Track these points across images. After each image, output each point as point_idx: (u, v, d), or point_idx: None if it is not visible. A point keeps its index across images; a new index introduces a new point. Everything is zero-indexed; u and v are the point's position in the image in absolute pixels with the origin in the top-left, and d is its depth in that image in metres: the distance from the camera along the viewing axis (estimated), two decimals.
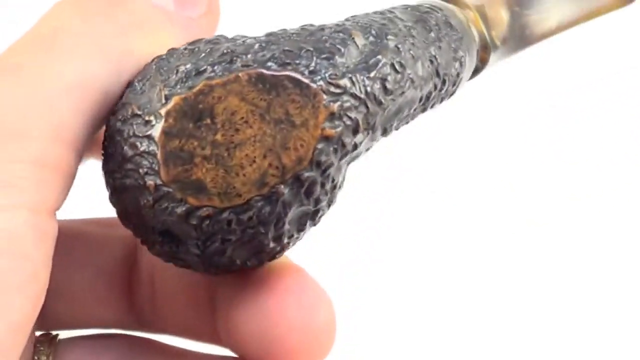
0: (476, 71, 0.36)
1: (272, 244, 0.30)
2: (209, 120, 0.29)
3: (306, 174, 0.29)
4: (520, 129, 0.63)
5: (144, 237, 0.30)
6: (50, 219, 0.28)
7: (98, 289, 0.35)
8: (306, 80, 0.29)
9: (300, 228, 0.31)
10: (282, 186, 0.29)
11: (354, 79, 0.29)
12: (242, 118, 0.29)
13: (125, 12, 0.31)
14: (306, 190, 0.29)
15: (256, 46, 0.29)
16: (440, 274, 0.61)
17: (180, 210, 0.29)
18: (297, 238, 0.31)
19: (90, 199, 0.38)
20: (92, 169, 0.33)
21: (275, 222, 0.29)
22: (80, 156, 0.30)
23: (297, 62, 0.29)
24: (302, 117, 0.29)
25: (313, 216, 0.31)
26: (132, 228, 0.30)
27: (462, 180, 0.62)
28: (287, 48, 0.29)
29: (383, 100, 0.30)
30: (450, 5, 0.35)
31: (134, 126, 0.29)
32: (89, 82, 0.29)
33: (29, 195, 0.27)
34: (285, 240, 0.30)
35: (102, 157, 0.31)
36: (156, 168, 0.29)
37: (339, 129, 0.29)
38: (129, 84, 0.30)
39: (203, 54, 0.30)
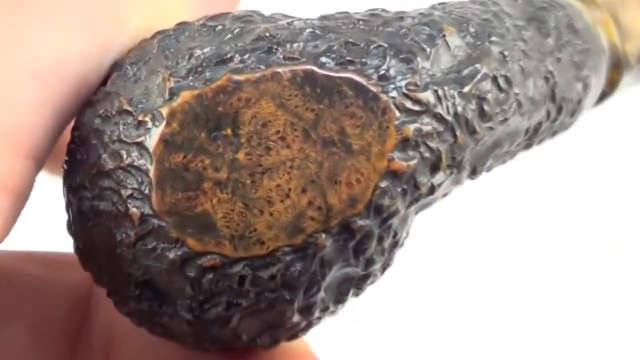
0: (602, 97, 0.27)
1: (296, 318, 0.21)
2: (229, 131, 0.20)
3: (360, 222, 0.20)
4: (606, 152, 0.62)
5: (112, 286, 0.22)
6: None
7: (31, 351, 0.27)
8: (374, 89, 0.20)
9: (340, 299, 0.22)
10: (324, 236, 0.20)
11: (440, 93, 0.21)
12: (278, 132, 0.20)
13: None
14: (357, 245, 0.21)
15: (306, 32, 0.21)
16: (525, 302, 0.57)
17: (173, 255, 0.20)
18: (332, 312, 0.22)
19: (36, 219, 0.29)
20: (44, 179, 0.24)
21: (307, 286, 0.21)
22: (39, 167, 0.21)
23: (364, 61, 0.20)
24: (363, 140, 0.20)
25: (360, 283, 0.22)
26: (95, 271, 0.22)
27: (545, 204, 0.60)
28: (350, 40, 0.21)
29: (478, 128, 0.21)
30: (573, 1, 0.25)
31: (121, 127, 0.20)
32: (62, 63, 0.21)
33: None
34: (316, 315, 0.22)
35: (65, 166, 0.22)
36: (146, 191, 0.20)
37: (412, 162, 0.20)
38: (117, 66, 0.22)
39: (229, 35, 0.21)
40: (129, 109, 0.20)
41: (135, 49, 0.22)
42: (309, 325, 0.22)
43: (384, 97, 0.20)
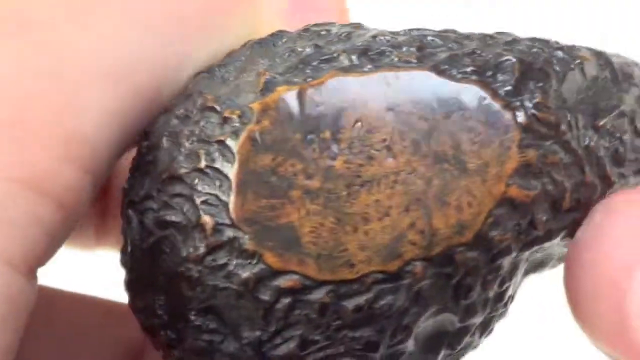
0: None
1: None
2: (328, 134, 0.17)
3: (466, 254, 0.17)
4: None
5: (168, 319, 0.19)
6: (28, 278, 0.18)
7: None
8: (498, 103, 0.18)
9: (431, 351, 0.19)
10: (424, 265, 0.17)
11: (571, 120, 0.18)
12: (384, 140, 0.17)
13: None
14: (459, 282, 0.18)
15: (427, 39, 0.18)
16: None
17: (248, 273, 0.17)
18: None
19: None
20: None
21: (396, 327, 0.18)
22: (97, 185, 0.19)
23: (491, 73, 0.18)
24: (480, 160, 0.17)
25: (453, 341, 0.19)
26: (148, 306, 0.19)
27: None
28: (477, 51, 0.18)
29: (609, 171, 0.18)
30: None
31: (202, 125, 0.18)
32: (135, 69, 0.19)
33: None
34: None
35: (127, 182, 0.19)
36: (224, 197, 0.17)
37: (533, 193, 0.18)
38: (202, 73, 0.19)
39: (336, 38, 0.19)
40: (215, 105, 0.18)
41: (226, 56, 0.19)
42: None
43: (508, 113, 0.17)
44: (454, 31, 0.19)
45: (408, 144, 0.17)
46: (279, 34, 0.19)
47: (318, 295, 0.17)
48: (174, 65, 0.19)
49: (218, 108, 0.18)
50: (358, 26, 0.19)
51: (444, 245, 0.17)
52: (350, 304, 0.17)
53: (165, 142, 0.18)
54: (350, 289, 0.17)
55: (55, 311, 0.24)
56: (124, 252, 0.19)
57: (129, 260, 0.19)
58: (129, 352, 0.25)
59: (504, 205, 0.17)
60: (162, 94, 0.19)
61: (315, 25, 0.19)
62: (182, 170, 0.18)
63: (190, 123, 0.18)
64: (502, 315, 0.19)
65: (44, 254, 0.18)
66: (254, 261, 0.17)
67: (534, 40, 0.19)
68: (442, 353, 0.19)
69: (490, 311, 0.18)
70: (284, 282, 0.17)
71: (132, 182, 0.19)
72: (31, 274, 0.18)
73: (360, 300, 0.17)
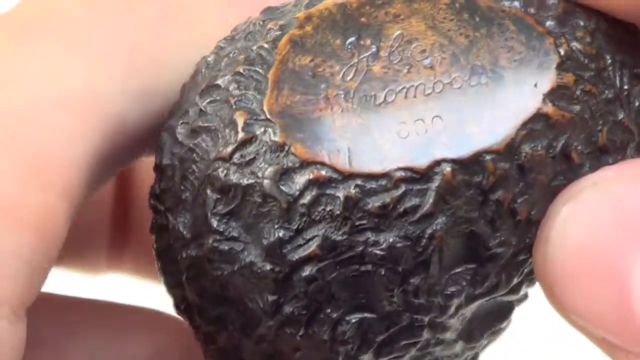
0: None
1: (397, 297, 0.18)
2: (368, 42, 0.18)
3: (497, 163, 0.17)
4: None
5: (192, 231, 0.18)
6: (11, 320, 0.17)
7: None
8: (541, 29, 0.18)
9: (453, 289, 0.18)
10: (452, 167, 0.17)
11: (610, 59, 0.18)
12: (423, 52, 0.18)
13: None
14: (487, 196, 0.17)
15: None
16: None
17: (275, 165, 0.17)
18: (441, 311, 0.18)
19: None
20: None
21: (419, 234, 0.17)
22: (74, 210, 0.18)
23: (533, 8, 0.18)
24: (518, 75, 0.17)
25: (481, 268, 0.18)
26: (175, 217, 0.19)
27: None
28: None
29: None
30: None
31: (245, 38, 0.18)
32: (95, 97, 0.18)
33: None
34: (422, 299, 0.18)
35: (167, 116, 0.20)
36: (258, 94, 0.18)
37: (568, 114, 0.17)
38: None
39: None
40: (260, 22, 0.19)
41: None
42: (409, 332, 0.18)
43: (550, 38, 0.18)
44: None
45: (447, 57, 0.18)
46: None
47: (344, 189, 0.17)
48: (135, 95, 0.19)
49: (262, 23, 0.18)
50: None
51: (475, 149, 0.17)
52: (375, 200, 0.17)
53: (207, 62, 0.19)
54: (377, 185, 0.17)
55: (81, 320, 0.24)
56: (152, 188, 0.19)
57: (157, 190, 0.19)
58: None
59: (538, 121, 0.17)
60: (126, 122, 0.19)
61: None
62: (220, 79, 0.18)
63: (234, 42, 0.19)
64: (530, 275, 0.18)
65: (26, 291, 0.17)
66: (283, 153, 0.17)
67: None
68: (466, 289, 0.18)
69: (518, 248, 0.18)
70: (310, 173, 0.17)
71: (169, 117, 0.19)
72: (14, 316, 0.17)
73: (386, 198, 0.17)
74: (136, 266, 0.27)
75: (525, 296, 0.20)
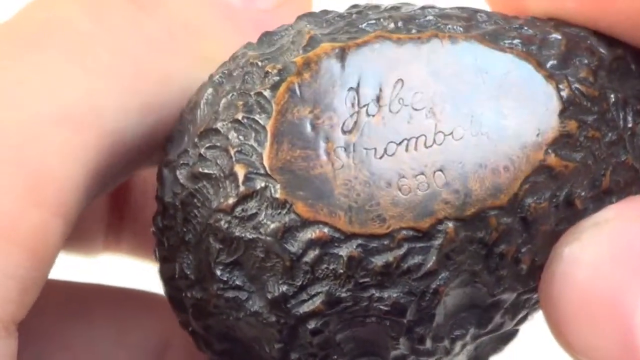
0: None
1: (403, 344, 0.18)
2: (368, 91, 0.17)
3: (500, 218, 0.17)
4: None
5: (196, 277, 0.19)
6: (6, 335, 0.17)
7: None
8: (542, 72, 0.18)
9: (456, 335, 0.18)
10: (456, 224, 0.17)
11: (614, 98, 0.18)
12: (424, 101, 0.17)
13: (160, 12, 0.20)
14: (491, 248, 0.17)
15: (478, 14, 0.18)
16: None
17: (277, 222, 0.17)
18: (446, 352, 0.18)
19: None
20: None
21: (424, 290, 0.17)
22: (68, 228, 0.18)
23: (537, 46, 0.18)
24: (520, 126, 0.17)
25: (483, 318, 0.18)
26: (179, 270, 0.19)
27: None
28: (524, 26, 0.18)
29: None
30: None
31: (243, 80, 0.18)
32: (96, 113, 0.18)
33: None
34: (428, 345, 0.18)
35: (165, 145, 0.19)
36: (258, 147, 0.17)
37: (572, 164, 0.17)
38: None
39: (383, 9, 0.19)
40: (257, 62, 0.18)
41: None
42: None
43: (552, 84, 0.17)
44: (503, 14, 0.19)
45: (448, 105, 0.17)
46: (327, 10, 0.19)
47: (347, 248, 0.17)
48: (134, 111, 0.19)
49: (260, 64, 0.18)
50: (407, 3, 0.19)
51: (477, 206, 0.17)
52: (378, 260, 0.17)
53: (205, 98, 0.18)
54: (380, 245, 0.17)
55: (84, 306, 0.24)
56: (155, 218, 0.19)
57: (160, 224, 0.19)
58: (159, 344, 0.25)
59: (541, 173, 0.17)
60: (125, 139, 0.19)
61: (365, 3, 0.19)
62: (219, 123, 0.18)
63: (232, 79, 0.18)
64: (534, 305, 0.19)
65: (17, 308, 0.17)
66: (284, 211, 0.17)
67: (582, 27, 0.19)
68: (471, 331, 0.18)
69: (523, 290, 0.18)
70: (313, 233, 0.17)
71: (168, 147, 0.19)
72: (5, 332, 0.17)
73: (389, 257, 0.17)
74: (134, 246, 0.27)
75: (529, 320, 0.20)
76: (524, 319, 0.19)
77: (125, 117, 0.19)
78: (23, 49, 0.18)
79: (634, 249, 0.16)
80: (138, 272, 0.27)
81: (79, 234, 0.26)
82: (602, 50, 0.18)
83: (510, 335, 0.20)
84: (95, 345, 0.23)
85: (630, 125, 0.18)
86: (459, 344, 0.18)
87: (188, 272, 0.18)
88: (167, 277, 0.19)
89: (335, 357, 0.18)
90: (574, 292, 0.17)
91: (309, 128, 0.17)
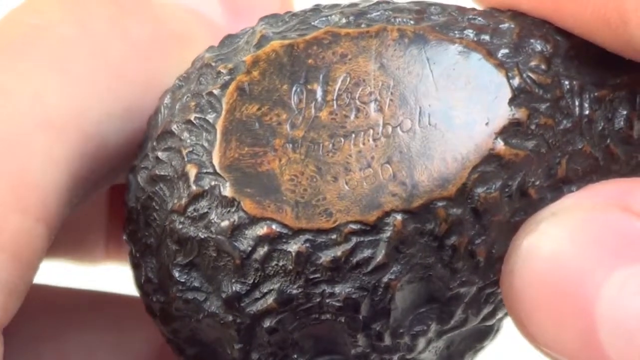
0: None
1: (361, 341, 0.18)
2: (315, 86, 0.17)
3: (448, 209, 0.17)
4: None
5: (157, 281, 0.19)
6: None
7: None
8: (492, 61, 0.17)
9: (417, 331, 0.18)
10: (403, 217, 0.17)
11: (568, 85, 0.17)
12: (371, 94, 0.17)
13: (146, 19, 0.20)
14: (443, 242, 0.17)
15: (431, 8, 0.18)
16: None
17: (226, 221, 0.17)
18: (408, 349, 0.18)
19: None
20: None
21: (375, 284, 0.17)
22: (51, 234, 0.18)
23: (488, 36, 0.18)
24: (468, 115, 0.17)
25: (443, 312, 0.18)
26: (147, 282, 0.19)
27: None
28: (477, 18, 0.18)
29: (612, 146, 0.18)
30: None
31: (197, 82, 0.18)
32: (79, 118, 0.18)
33: None
34: (386, 342, 0.18)
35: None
36: (208, 146, 0.17)
37: (522, 152, 0.17)
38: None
39: (339, 6, 0.19)
40: (211, 63, 0.18)
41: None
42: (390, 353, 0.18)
43: (501, 72, 0.17)
44: (459, 6, 0.19)
45: (395, 98, 0.17)
46: (290, 11, 0.19)
47: (295, 244, 0.17)
48: (117, 116, 0.19)
49: (213, 64, 0.18)
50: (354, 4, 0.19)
51: (425, 198, 0.17)
52: (327, 254, 0.17)
53: (165, 103, 0.19)
54: (328, 239, 0.17)
55: (79, 312, 0.24)
56: (124, 224, 0.19)
57: (127, 230, 0.19)
58: (155, 351, 0.25)
59: (490, 163, 0.17)
60: (107, 144, 0.19)
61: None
62: (174, 125, 0.18)
63: (189, 82, 0.18)
64: (501, 301, 0.18)
65: (2, 314, 0.17)
66: (233, 208, 0.17)
67: (536, 19, 0.18)
68: (433, 327, 0.18)
69: (483, 284, 0.17)
70: (260, 229, 0.17)
71: (137, 152, 0.19)
72: None
73: (338, 251, 0.17)
74: None
75: (506, 315, 0.19)
76: (492, 315, 0.18)
77: (107, 122, 0.19)
78: (5, 55, 0.19)
79: (593, 239, 0.16)
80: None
81: (79, 242, 0.26)
82: (558, 37, 0.18)
83: (485, 333, 0.19)
84: (92, 352, 0.23)
85: (587, 112, 0.17)
86: (422, 340, 0.18)
87: (152, 277, 0.19)
88: (138, 284, 0.20)
89: (295, 356, 0.18)
90: (533, 285, 0.16)
91: (257, 125, 0.17)
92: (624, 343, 0.15)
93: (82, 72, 0.19)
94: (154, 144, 0.18)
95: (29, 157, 0.17)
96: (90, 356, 0.23)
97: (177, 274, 0.18)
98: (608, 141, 0.18)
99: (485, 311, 0.18)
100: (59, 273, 0.24)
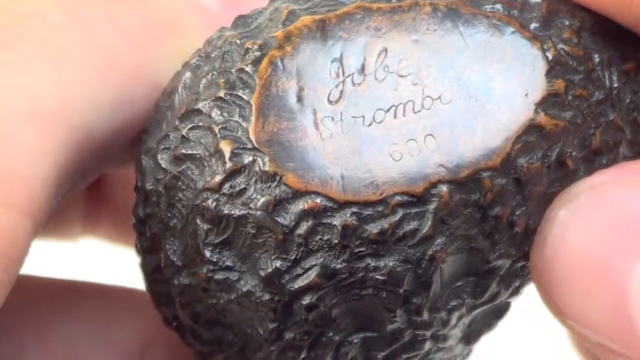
0: None
1: (400, 316, 0.17)
2: (352, 60, 0.17)
3: (494, 180, 0.17)
4: None
5: (184, 261, 0.18)
6: None
7: None
8: (527, 34, 0.17)
9: (454, 304, 0.18)
10: (449, 188, 0.17)
11: (598, 58, 0.18)
12: (410, 67, 0.17)
13: (137, 6, 0.20)
14: (486, 213, 0.17)
15: None
16: None
17: (267, 196, 0.17)
18: (443, 323, 0.18)
19: None
20: None
21: (420, 257, 0.17)
22: (36, 228, 0.18)
23: (521, 10, 0.18)
24: (508, 87, 0.17)
25: (479, 285, 0.18)
26: (166, 254, 0.18)
27: None
28: None
29: (639, 117, 0.18)
30: None
31: (222, 59, 0.18)
32: (66, 108, 0.18)
33: None
34: (425, 316, 0.18)
35: (141, 135, 0.19)
36: (243, 122, 0.17)
37: (561, 122, 0.17)
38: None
39: None
40: (236, 40, 0.18)
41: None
42: (411, 346, 0.18)
43: (537, 45, 0.17)
44: None
45: (434, 70, 0.17)
46: None
47: (340, 217, 0.16)
48: (105, 105, 0.19)
49: (239, 42, 0.18)
50: None
51: (471, 168, 0.17)
52: (373, 227, 0.16)
53: (183, 82, 0.18)
54: (374, 212, 0.16)
55: (63, 304, 0.23)
56: (135, 209, 0.19)
57: (142, 213, 0.18)
58: (141, 343, 0.24)
59: (532, 133, 0.17)
60: (95, 134, 0.18)
61: None
62: (201, 103, 0.17)
63: (210, 60, 0.18)
64: (527, 275, 0.18)
65: None
66: (274, 183, 0.17)
67: None
68: (467, 301, 0.18)
69: (517, 257, 0.18)
70: (305, 203, 0.16)
71: (145, 137, 0.19)
72: None
73: (384, 223, 0.16)
74: (112, 230, 0.27)
75: (521, 292, 0.20)
76: (518, 289, 0.19)
77: (96, 111, 0.18)
78: None
79: (629, 216, 0.16)
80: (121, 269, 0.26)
81: (56, 218, 0.26)
82: (583, 12, 0.18)
83: (502, 310, 0.19)
84: (76, 343, 0.23)
85: (616, 85, 0.18)
86: (455, 315, 0.18)
87: (174, 259, 0.18)
88: (150, 270, 0.19)
89: (331, 334, 0.17)
90: (567, 255, 0.17)
91: (294, 100, 0.17)
92: None
93: (71, 62, 0.18)
94: (177, 123, 0.18)
95: (15, 150, 0.17)
96: (75, 347, 0.23)
97: (208, 254, 0.17)
98: (635, 114, 0.18)
99: (515, 285, 0.18)
100: (43, 263, 0.23)
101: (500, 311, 0.20)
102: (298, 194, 0.16)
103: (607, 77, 0.18)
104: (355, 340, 0.18)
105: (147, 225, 0.18)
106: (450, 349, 0.19)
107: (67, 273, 0.24)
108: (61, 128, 0.18)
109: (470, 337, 0.19)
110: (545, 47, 0.17)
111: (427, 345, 0.18)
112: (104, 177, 0.25)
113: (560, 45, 0.17)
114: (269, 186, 0.17)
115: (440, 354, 0.19)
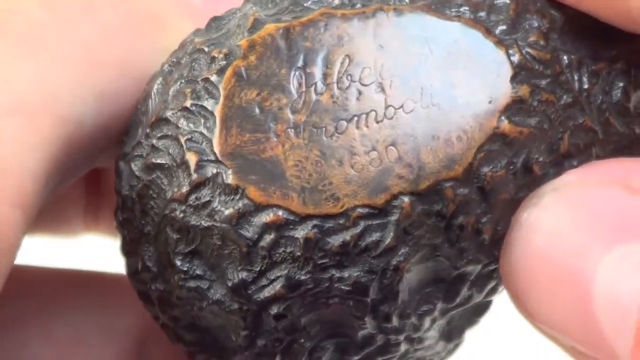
0: None
1: (369, 323, 0.17)
2: (314, 69, 0.17)
3: (456, 189, 0.17)
4: None
5: (156, 272, 0.18)
6: None
7: None
8: (492, 39, 0.17)
9: (424, 310, 0.18)
10: (411, 199, 0.16)
11: (567, 59, 0.17)
12: (372, 75, 0.17)
13: (117, 1, 0.20)
14: (450, 222, 0.17)
15: None
16: None
17: (230, 209, 0.17)
18: (414, 329, 0.18)
19: None
20: None
21: (384, 267, 0.17)
22: (28, 220, 0.18)
23: (486, 13, 0.17)
24: (471, 95, 0.17)
25: (449, 292, 0.18)
26: (141, 262, 0.19)
27: None
28: None
29: (611, 118, 0.18)
30: None
31: (190, 67, 0.18)
32: (51, 101, 0.18)
33: None
34: (394, 323, 0.18)
35: (124, 137, 0.19)
36: (208, 133, 0.17)
37: (526, 129, 0.17)
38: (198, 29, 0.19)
39: None
40: (204, 47, 0.18)
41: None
42: (385, 349, 0.18)
43: (501, 50, 0.17)
44: None
45: (396, 79, 0.17)
46: None
47: (302, 230, 0.16)
48: (91, 99, 0.19)
49: (206, 49, 0.18)
50: None
51: (432, 179, 0.16)
52: (335, 239, 0.16)
53: (156, 88, 0.18)
54: (336, 224, 0.16)
55: (65, 293, 0.24)
56: (116, 212, 0.19)
57: (120, 217, 0.19)
58: (142, 331, 0.25)
59: (495, 141, 0.17)
60: (82, 127, 0.18)
61: None
62: (169, 112, 0.18)
63: (180, 67, 0.18)
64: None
65: None
66: (237, 196, 0.17)
67: None
68: (439, 306, 0.18)
69: (487, 262, 0.18)
70: (267, 216, 0.17)
71: (125, 139, 0.19)
72: None
73: (346, 236, 0.16)
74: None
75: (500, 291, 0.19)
76: (494, 290, 0.19)
77: (81, 105, 0.18)
78: None
79: (592, 215, 0.16)
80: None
81: (57, 215, 0.26)
82: (553, 12, 0.18)
83: (483, 307, 0.20)
84: (78, 332, 0.23)
85: (586, 86, 0.17)
86: (427, 320, 0.18)
87: (150, 265, 0.18)
88: (132, 272, 0.19)
89: (302, 340, 0.18)
90: (532, 259, 0.16)
91: (257, 111, 0.17)
92: (619, 319, 0.15)
93: (53, 56, 0.18)
94: (148, 131, 0.18)
95: (1, 143, 0.17)
96: (77, 336, 0.23)
97: (178, 263, 0.18)
98: (607, 114, 0.18)
99: (489, 287, 0.18)
100: (43, 253, 0.23)
101: (480, 309, 0.20)
102: (260, 207, 0.17)
103: (576, 79, 0.17)
104: (328, 346, 0.18)
105: (126, 229, 0.19)
106: (430, 347, 0.19)
107: (67, 263, 0.25)
108: (47, 121, 0.18)
109: (451, 335, 0.20)
110: (510, 51, 0.17)
111: (403, 346, 0.18)
112: (104, 173, 0.26)
113: (527, 49, 0.17)
114: (232, 199, 0.17)
115: (420, 353, 0.19)
